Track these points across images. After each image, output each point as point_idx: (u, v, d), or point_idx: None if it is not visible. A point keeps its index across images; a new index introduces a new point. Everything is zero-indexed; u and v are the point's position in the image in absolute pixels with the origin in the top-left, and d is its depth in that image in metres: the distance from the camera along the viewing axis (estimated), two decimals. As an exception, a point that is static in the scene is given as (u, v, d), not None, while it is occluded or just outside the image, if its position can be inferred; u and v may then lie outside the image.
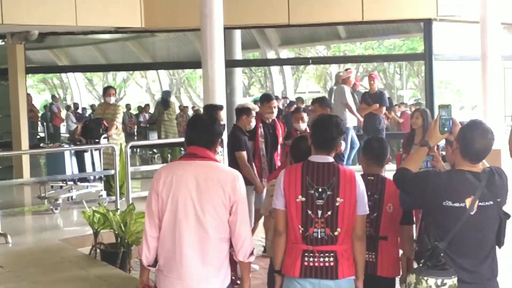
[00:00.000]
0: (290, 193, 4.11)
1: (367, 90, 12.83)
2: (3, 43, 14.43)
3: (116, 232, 7.33)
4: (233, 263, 4.16)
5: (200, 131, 4.08)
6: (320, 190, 4.07)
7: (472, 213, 3.83)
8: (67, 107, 25.07)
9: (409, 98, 28.27)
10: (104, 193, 10.65)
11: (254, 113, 8.03)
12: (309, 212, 4.07)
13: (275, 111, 8.39)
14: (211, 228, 3.93)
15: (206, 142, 4.06)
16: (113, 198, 9.68)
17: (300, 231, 4.08)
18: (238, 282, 4.29)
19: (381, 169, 4.83)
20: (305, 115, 8.77)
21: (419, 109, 8.62)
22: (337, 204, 4.07)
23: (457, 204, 3.83)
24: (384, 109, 12.66)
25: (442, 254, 3.82)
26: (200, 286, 3.96)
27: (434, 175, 4.00)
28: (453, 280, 3.76)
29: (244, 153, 7.71)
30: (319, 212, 4.06)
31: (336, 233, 4.07)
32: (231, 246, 4.05)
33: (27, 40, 13.29)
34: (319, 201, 4.06)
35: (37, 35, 13.06)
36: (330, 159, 4.17)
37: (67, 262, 7.34)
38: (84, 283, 6.54)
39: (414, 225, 4.78)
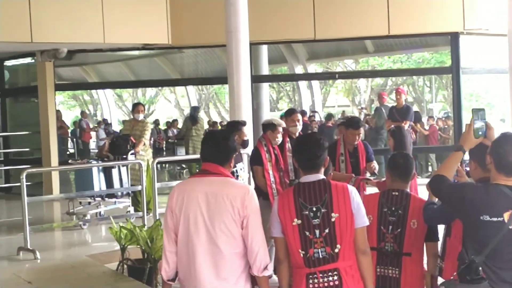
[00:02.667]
0: (286, 218, 4.04)
1: (394, 105, 12.77)
2: (32, 60, 14.61)
3: (143, 248, 7.37)
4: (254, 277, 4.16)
5: (213, 147, 4.14)
6: (314, 209, 4.01)
7: (511, 227, 3.80)
8: (98, 123, 25.24)
9: (439, 111, 28.04)
10: (131, 209, 10.71)
11: (280, 129, 8.01)
12: (307, 233, 4.00)
13: (299, 124, 8.33)
14: (222, 244, 3.98)
15: (218, 159, 4.12)
16: (140, 214, 9.74)
17: (301, 255, 4.01)
18: None
19: (406, 185, 4.80)
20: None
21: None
22: (333, 219, 3.99)
23: (495, 219, 3.80)
24: (408, 123, 12.54)
25: (480, 268, 3.79)
26: None
27: (471, 188, 3.96)
28: None
29: (260, 168, 7.68)
30: (317, 232, 3.99)
31: (336, 250, 3.99)
32: None
33: (56, 58, 13.46)
34: (315, 220, 4.00)
35: (66, 53, 13.23)
36: (320, 176, 4.11)
37: (94, 278, 7.38)
38: (110, 299, 6.58)
39: (439, 241, 4.74)
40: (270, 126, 7.86)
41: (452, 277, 3.87)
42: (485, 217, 3.82)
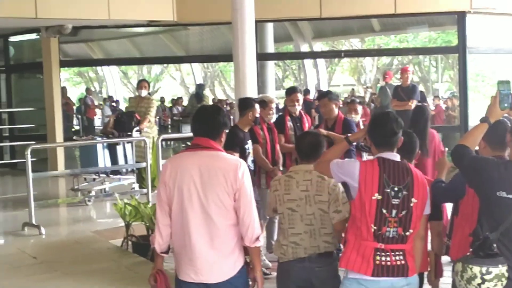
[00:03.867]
0: (366, 189, 4.00)
1: (399, 84, 12.71)
2: (37, 36, 14.59)
3: (147, 225, 7.40)
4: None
5: (204, 122, 4.19)
6: (396, 189, 3.98)
7: None
8: (104, 100, 25.24)
9: (445, 91, 27.97)
10: (136, 185, 10.74)
11: (272, 105, 7.97)
12: (384, 211, 3.98)
13: (298, 104, 8.28)
14: (216, 215, 4.04)
15: (209, 133, 4.15)
16: (145, 190, 9.77)
17: (372, 230, 3.99)
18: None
19: (404, 160, 4.79)
20: (359, 107, 8.82)
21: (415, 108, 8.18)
22: (411, 204, 4.00)
23: (511, 196, 3.82)
24: (414, 102, 12.51)
25: (495, 245, 3.80)
26: (210, 270, 4.06)
27: (492, 163, 3.95)
28: (500, 269, 3.75)
29: (257, 146, 7.65)
30: (394, 212, 3.97)
31: (407, 234, 4.01)
32: None
33: (61, 34, 13.45)
34: (395, 200, 3.98)
35: (71, 29, 13.21)
36: (398, 156, 4.11)
37: (98, 253, 7.44)
38: (115, 274, 6.62)
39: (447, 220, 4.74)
40: (261, 103, 7.81)
41: (468, 254, 3.87)
42: (502, 193, 3.83)
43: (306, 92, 19.31)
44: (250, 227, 4.07)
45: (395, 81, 16.26)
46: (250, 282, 4.21)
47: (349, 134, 4.51)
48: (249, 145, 7.39)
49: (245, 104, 7.55)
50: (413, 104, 12.02)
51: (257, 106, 7.50)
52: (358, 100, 10.20)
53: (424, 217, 4.14)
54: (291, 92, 8.45)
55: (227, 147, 7.13)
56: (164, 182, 4.14)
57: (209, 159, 4.09)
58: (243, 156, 7.05)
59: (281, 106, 15.64)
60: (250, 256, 4.18)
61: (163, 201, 4.14)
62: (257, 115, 7.49)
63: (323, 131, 7.51)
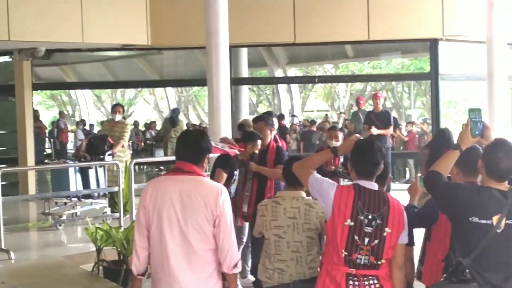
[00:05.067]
0: (339, 214, 4.03)
1: (371, 110, 12.79)
2: (10, 59, 14.49)
3: (119, 249, 7.32)
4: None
5: (187, 146, 4.19)
6: (370, 217, 4.00)
7: (499, 231, 3.81)
8: (77, 124, 25.11)
9: (417, 117, 28.20)
10: (108, 210, 10.64)
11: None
12: (356, 237, 4.00)
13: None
14: (194, 240, 4.04)
15: (192, 158, 4.16)
16: (117, 215, 9.68)
17: (343, 255, 4.02)
18: None
19: (382, 189, 4.79)
20: (340, 134, 8.84)
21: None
22: (385, 234, 4.02)
23: (483, 221, 3.82)
24: (391, 129, 12.59)
25: (468, 270, 3.81)
26: None
27: (464, 188, 3.96)
28: None
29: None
30: (366, 240, 4.00)
31: (379, 263, 4.03)
32: None
33: (34, 57, 13.35)
34: (368, 228, 4.00)
35: (44, 52, 13.13)
36: (376, 186, 4.13)
37: (69, 279, 7.33)
38: (85, 300, 6.52)
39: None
40: (238, 127, 7.81)
41: (442, 280, 3.87)
42: (474, 219, 3.84)
43: (281, 117, 19.36)
44: (229, 253, 4.07)
45: (368, 107, 16.37)
46: None
47: (336, 145, 4.48)
48: (237, 173, 7.35)
49: (250, 137, 7.52)
50: (390, 130, 12.13)
51: (259, 142, 7.47)
52: (339, 127, 10.26)
53: (400, 246, 4.13)
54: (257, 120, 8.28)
55: (220, 165, 7.16)
56: (143, 205, 4.14)
57: (191, 184, 4.09)
58: (229, 180, 7.05)
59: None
60: (228, 282, 4.17)
61: (142, 224, 4.14)
62: (256, 151, 7.45)
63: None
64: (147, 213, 4.11)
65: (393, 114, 17.38)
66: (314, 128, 19.79)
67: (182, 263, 4.03)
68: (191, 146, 4.18)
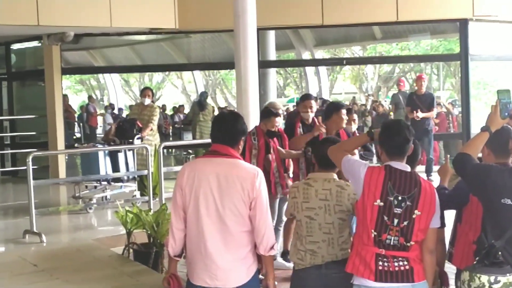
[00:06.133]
0: (369, 193, 4.03)
1: (413, 91, 12.65)
2: (39, 44, 14.59)
3: (149, 232, 7.36)
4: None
5: (223, 129, 4.21)
6: (399, 198, 4.00)
7: None
8: (106, 108, 25.25)
9: (446, 99, 27.98)
10: (137, 193, 10.71)
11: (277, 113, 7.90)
12: (385, 218, 4.00)
13: (312, 111, 8.17)
14: (231, 222, 4.08)
15: (228, 140, 4.19)
16: (147, 198, 9.74)
17: (373, 235, 4.02)
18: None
19: (414, 171, 4.76)
20: (356, 117, 8.78)
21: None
22: (414, 216, 4.00)
23: None
24: (435, 111, 12.49)
25: (500, 252, 3.78)
26: (225, 275, 4.11)
27: (496, 170, 3.94)
28: (508, 278, 3.73)
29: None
30: (396, 221, 3.99)
31: (409, 244, 4.02)
32: None
33: (63, 41, 13.43)
34: (397, 209, 3.99)
35: (72, 36, 13.19)
36: (409, 168, 4.12)
37: (99, 261, 7.39)
38: (116, 282, 6.57)
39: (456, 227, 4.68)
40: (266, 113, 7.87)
41: (474, 262, 3.85)
42: (507, 201, 3.82)
43: (316, 99, 19.27)
44: (265, 235, 4.11)
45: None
46: None
47: (373, 129, 4.46)
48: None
49: (264, 113, 7.70)
50: (434, 112, 12.02)
51: (276, 119, 7.59)
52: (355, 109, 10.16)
53: (432, 230, 4.10)
54: (304, 98, 8.36)
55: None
56: (180, 187, 4.17)
57: (227, 167, 4.12)
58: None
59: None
60: (264, 265, 4.22)
61: (178, 206, 4.18)
62: (273, 128, 7.57)
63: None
64: (183, 194, 4.15)
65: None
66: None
67: (218, 244, 4.08)
68: (227, 128, 4.19)
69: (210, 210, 4.08)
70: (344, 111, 7.79)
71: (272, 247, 4.14)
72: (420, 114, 11.82)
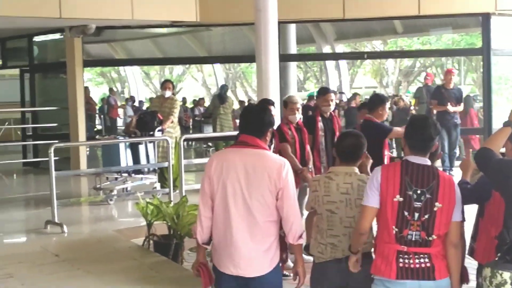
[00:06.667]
0: (388, 191, 4.02)
1: (441, 85, 12.57)
2: (61, 37, 14.67)
3: (169, 224, 7.41)
4: (284, 243, 4.36)
5: (251, 120, 4.31)
6: (418, 192, 3.98)
7: None
8: (126, 100, 25.35)
9: (467, 94, 27.84)
10: (158, 185, 10.76)
11: (294, 106, 7.86)
12: (406, 213, 3.99)
13: (332, 104, 8.21)
14: (257, 212, 4.16)
15: (256, 131, 4.28)
16: (167, 190, 9.79)
17: (394, 232, 4.01)
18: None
19: (432, 164, 4.74)
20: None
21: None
22: (435, 208, 3.99)
23: None
24: (462, 105, 12.43)
25: None
26: (249, 264, 4.20)
27: None
28: None
29: (286, 145, 7.59)
30: (416, 215, 3.98)
31: (431, 238, 4.00)
32: (281, 228, 4.26)
33: (84, 34, 13.49)
34: (417, 203, 3.98)
35: (94, 29, 13.26)
36: (429, 161, 4.11)
37: (120, 252, 7.45)
38: (136, 273, 6.62)
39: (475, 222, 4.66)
40: (283, 103, 7.86)
41: (496, 258, 3.84)
42: None
43: (334, 93, 19.21)
44: (294, 224, 4.20)
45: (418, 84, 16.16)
46: (291, 276, 4.36)
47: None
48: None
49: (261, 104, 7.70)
50: (462, 106, 11.96)
51: (272, 108, 7.55)
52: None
53: (455, 224, 4.08)
54: (324, 92, 8.37)
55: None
56: (208, 176, 4.25)
57: (255, 157, 4.21)
58: None
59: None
60: (294, 253, 4.33)
61: (207, 195, 4.26)
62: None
63: None
64: (211, 183, 4.23)
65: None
66: (354, 105, 19.60)
67: (244, 234, 4.16)
68: (255, 120, 4.29)
69: (237, 200, 4.16)
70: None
71: (300, 236, 4.23)
72: (451, 108, 11.79)
